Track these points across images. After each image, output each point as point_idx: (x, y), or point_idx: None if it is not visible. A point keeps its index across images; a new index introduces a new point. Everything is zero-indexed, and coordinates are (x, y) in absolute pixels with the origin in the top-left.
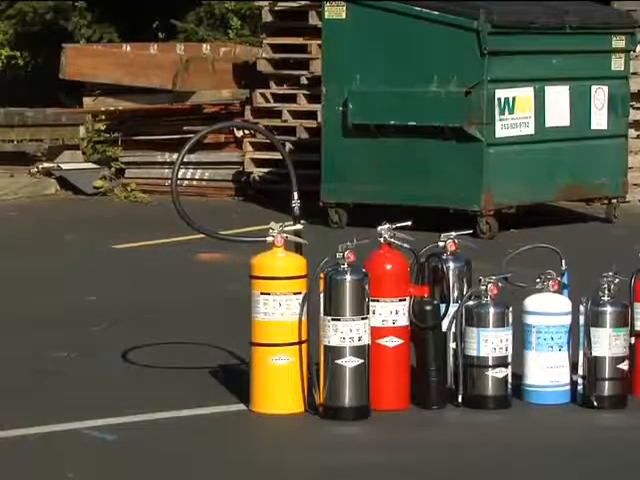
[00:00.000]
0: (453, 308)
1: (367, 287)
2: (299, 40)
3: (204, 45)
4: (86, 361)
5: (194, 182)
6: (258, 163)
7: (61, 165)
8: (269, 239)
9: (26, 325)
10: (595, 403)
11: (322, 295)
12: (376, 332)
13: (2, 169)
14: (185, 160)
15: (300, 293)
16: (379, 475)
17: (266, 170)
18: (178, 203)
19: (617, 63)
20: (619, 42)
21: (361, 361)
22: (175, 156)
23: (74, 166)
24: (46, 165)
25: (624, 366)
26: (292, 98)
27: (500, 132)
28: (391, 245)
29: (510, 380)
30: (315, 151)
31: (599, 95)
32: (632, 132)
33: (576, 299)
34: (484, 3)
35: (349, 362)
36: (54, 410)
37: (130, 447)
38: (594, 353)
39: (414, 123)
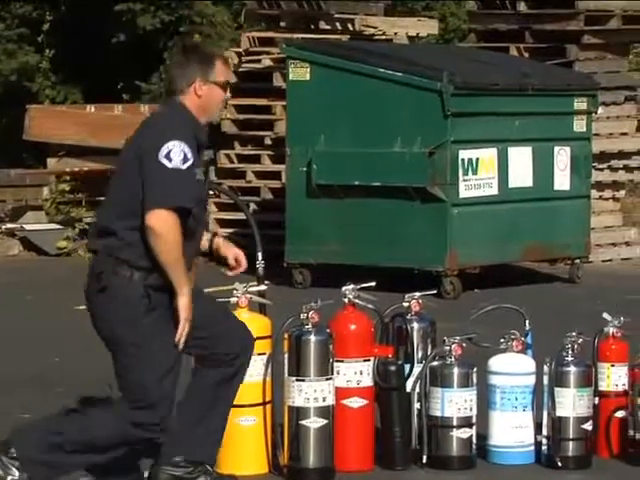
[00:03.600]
0: (417, 368)
1: (331, 347)
2: (263, 101)
3: None
4: None
5: None
6: (222, 224)
7: (24, 226)
8: (233, 300)
9: None
10: (559, 463)
11: (286, 355)
12: (341, 392)
13: None
14: None
15: (264, 354)
16: None
17: (230, 230)
18: None
19: (579, 124)
20: (581, 104)
21: (325, 422)
22: None
23: (38, 227)
24: (9, 226)
25: (588, 426)
26: (256, 159)
27: (464, 192)
28: (355, 305)
29: (475, 440)
30: (279, 211)
31: (562, 156)
32: (594, 193)
33: (540, 359)
34: (447, 65)
35: (313, 423)
36: None
37: None
38: (558, 413)
39: (378, 183)
